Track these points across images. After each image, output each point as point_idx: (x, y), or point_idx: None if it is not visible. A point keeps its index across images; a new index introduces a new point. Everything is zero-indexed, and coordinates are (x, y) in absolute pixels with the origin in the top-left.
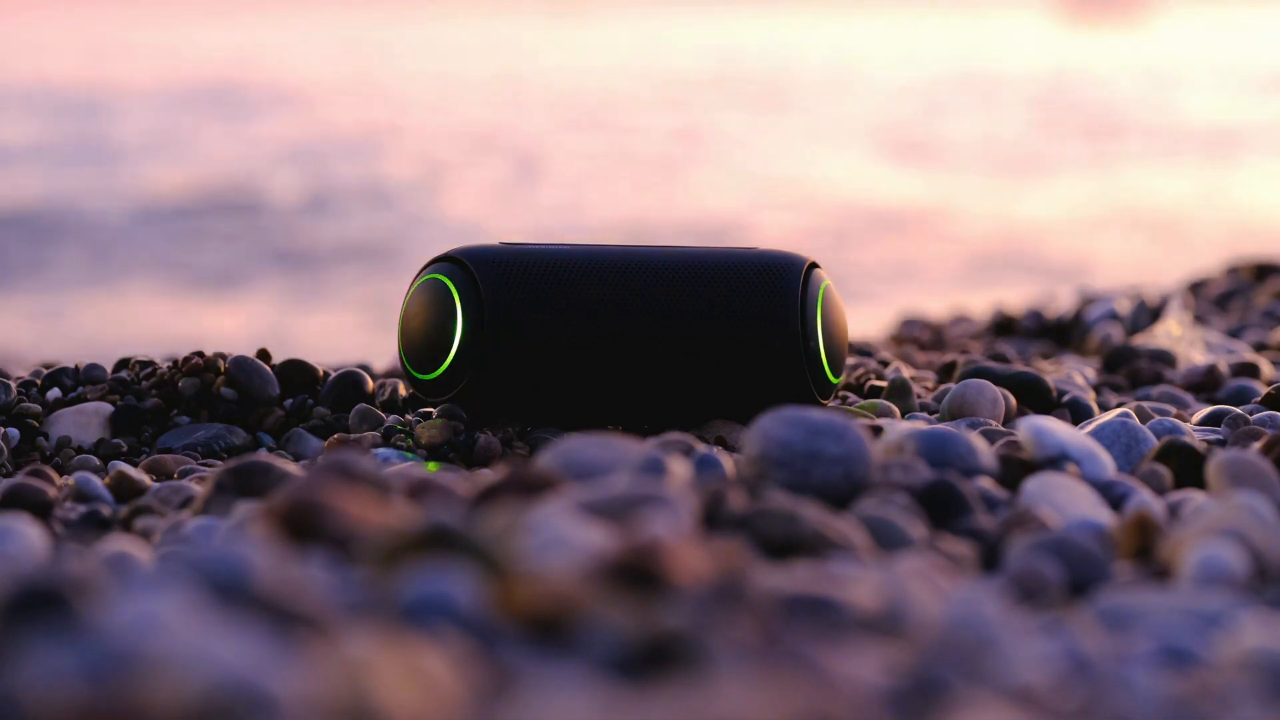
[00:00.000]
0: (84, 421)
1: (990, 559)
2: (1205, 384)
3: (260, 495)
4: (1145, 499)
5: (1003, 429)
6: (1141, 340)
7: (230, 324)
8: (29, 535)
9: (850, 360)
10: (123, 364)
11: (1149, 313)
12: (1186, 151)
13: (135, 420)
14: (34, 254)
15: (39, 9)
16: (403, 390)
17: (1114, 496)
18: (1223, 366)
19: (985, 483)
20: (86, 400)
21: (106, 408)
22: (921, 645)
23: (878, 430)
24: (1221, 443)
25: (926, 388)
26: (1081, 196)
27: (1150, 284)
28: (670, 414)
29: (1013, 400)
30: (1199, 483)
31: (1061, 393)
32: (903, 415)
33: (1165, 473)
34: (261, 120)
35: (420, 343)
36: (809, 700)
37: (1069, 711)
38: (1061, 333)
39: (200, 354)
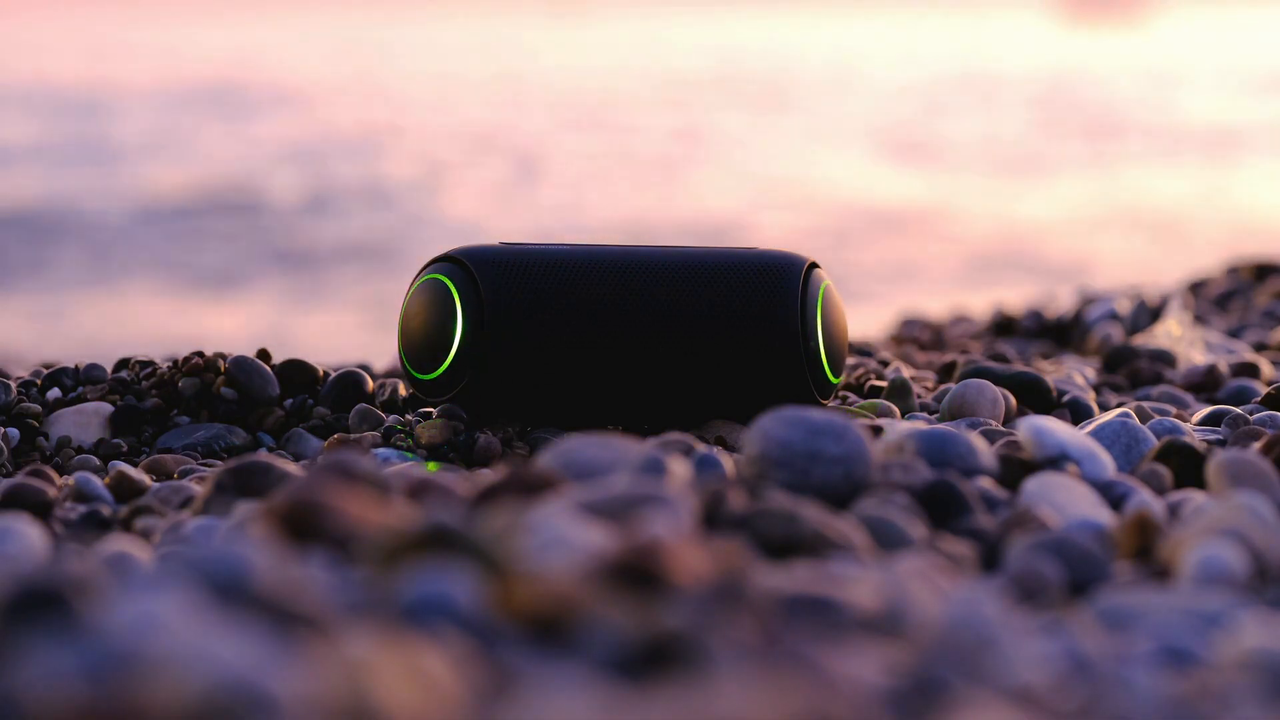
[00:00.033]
0: (84, 421)
1: (990, 559)
2: (1205, 384)
3: (260, 495)
4: (1145, 499)
5: (1003, 429)
6: (1141, 340)
7: (230, 324)
8: (29, 535)
9: (850, 360)
10: (123, 364)
11: (1149, 313)
12: (1186, 151)
13: (135, 420)
14: (34, 254)
15: (39, 9)
16: (403, 390)
17: (1114, 496)
18: (1223, 366)
19: (985, 483)
20: (86, 400)
21: (106, 408)
22: (921, 645)
23: (878, 430)
24: (1221, 443)
25: (926, 388)
26: (1081, 196)
27: (1150, 284)
28: (670, 414)
29: (1013, 400)
30: (1199, 483)
31: (1061, 393)
32: (903, 415)
33: (1165, 473)
34: (261, 120)
35: (420, 343)
36: (809, 700)
37: (1069, 711)
38: (1061, 333)
39: (200, 354)
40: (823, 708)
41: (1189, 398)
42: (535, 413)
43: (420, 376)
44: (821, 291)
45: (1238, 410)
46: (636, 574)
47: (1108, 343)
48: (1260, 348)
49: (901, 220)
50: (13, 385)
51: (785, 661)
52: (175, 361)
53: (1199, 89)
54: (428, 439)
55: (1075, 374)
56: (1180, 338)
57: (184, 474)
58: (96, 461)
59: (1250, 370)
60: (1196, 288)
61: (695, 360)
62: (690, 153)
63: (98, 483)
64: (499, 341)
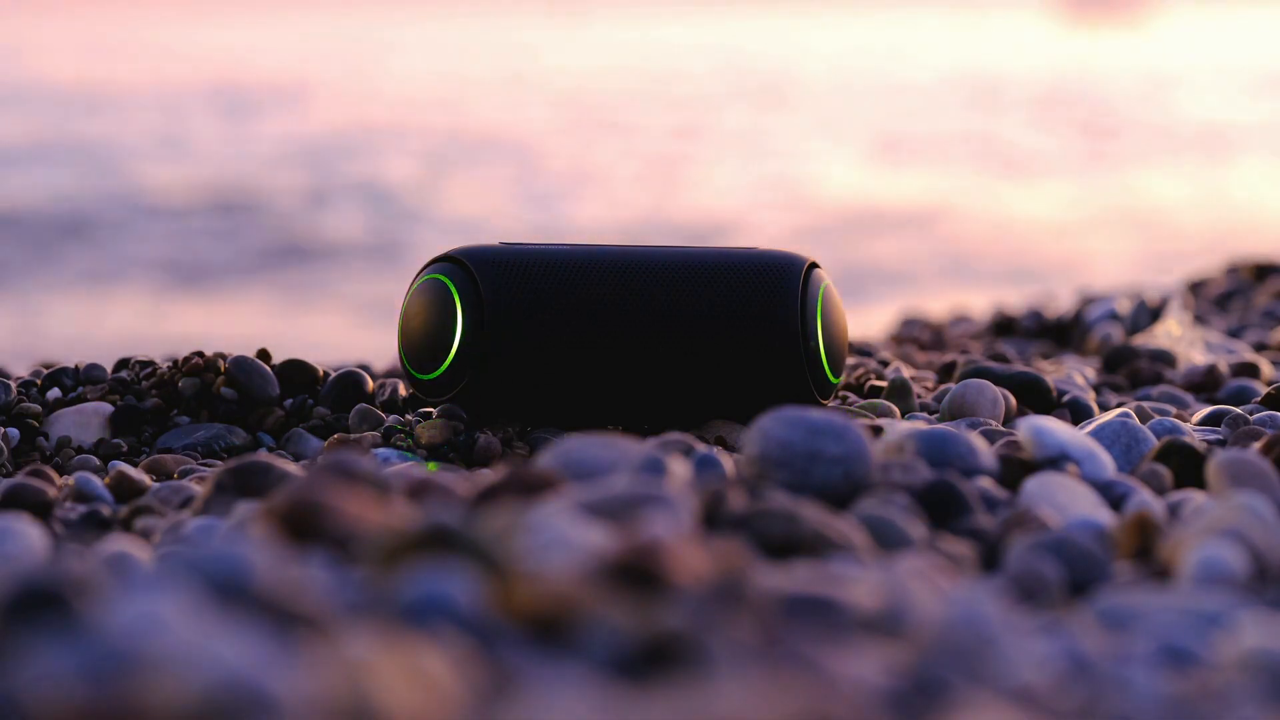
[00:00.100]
0: (84, 421)
1: (990, 559)
2: (1205, 384)
3: (260, 495)
4: (1145, 499)
5: (1003, 429)
6: (1141, 340)
7: (230, 324)
8: (29, 535)
9: (850, 360)
10: (123, 364)
11: (1149, 313)
12: (1186, 151)
13: (135, 420)
14: (33, 254)
15: (39, 9)
16: (403, 390)
17: (1114, 496)
18: (1223, 366)
19: (985, 483)
20: (86, 400)
21: (106, 408)
22: (921, 645)
23: (878, 430)
24: (1221, 443)
25: (926, 388)
26: (1081, 196)
27: (1150, 284)
28: (670, 414)
29: (1013, 400)
30: (1199, 483)
31: (1061, 393)
32: (903, 415)
33: (1165, 473)
34: (261, 119)
35: (420, 343)
36: (809, 700)
37: (1069, 711)
38: (1061, 333)
39: (200, 354)
40: (823, 708)
41: (1189, 398)
42: (535, 413)
43: (420, 376)
44: (821, 291)
45: (1238, 410)
46: (636, 574)
47: (1108, 343)
48: (1260, 348)
49: (900, 220)
50: (13, 385)
51: (785, 661)
52: (175, 361)
53: (1199, 89)
54: (428, 439)
55: (1075, 374)
56: (1180, 338)
57: (184, 474)
58: (96, 461)
59: (1250, 370)
60: (1196, 288)
61: (695, 360)
62: (689, 152)
63: (98, 483)
64: (499, 341)
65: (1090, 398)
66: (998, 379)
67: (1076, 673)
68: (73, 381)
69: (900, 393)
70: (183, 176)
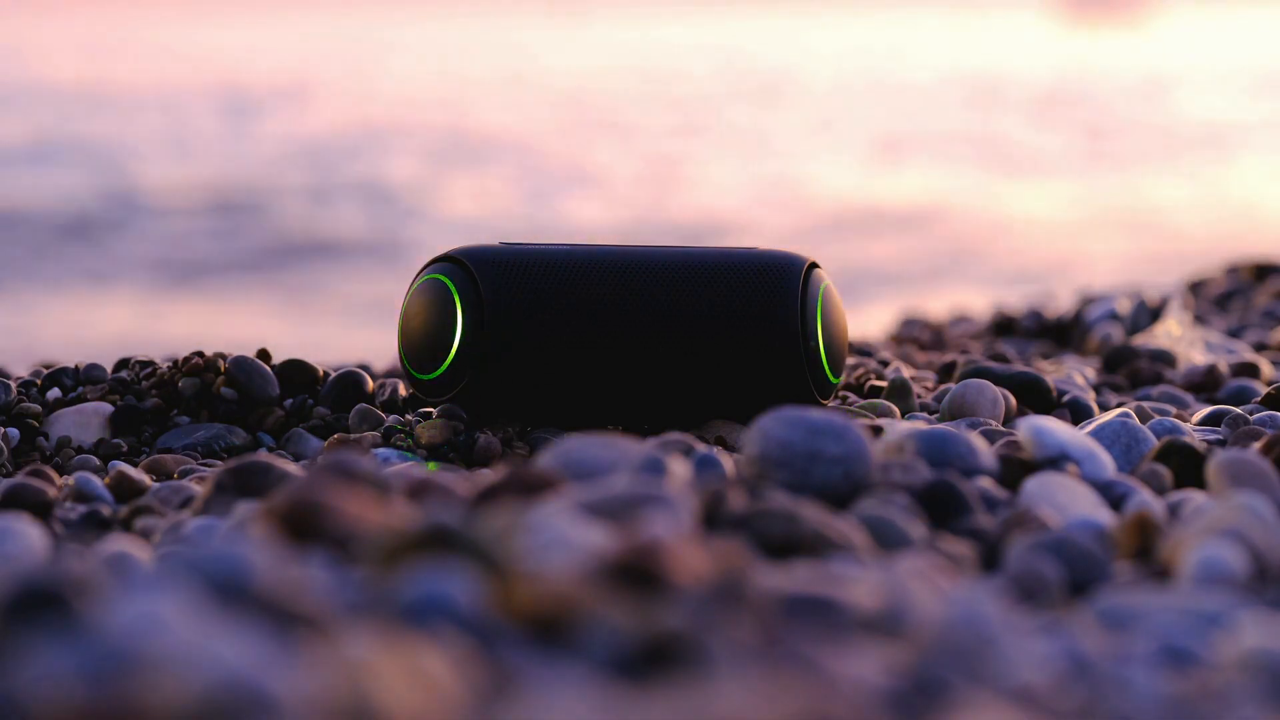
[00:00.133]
0: (84, 421)
1: (990, 559)
2: (1205, 384)
3: (260, 495)
4: (1145, 499)
5: (1003, 429)
6: (1141, 340)
7: (230, 323)
8: (29, 535)
9: (850, 360)
10: (123, 364)
11: (1149, 313)
12: (1186, 151)
13: (135, 420)
14: (33, 253)
15: (40, 9)
16: (403, 390)
17: (1114, 496)
18: (1223, 366)
19: (985, 483)
20: (86, 400)
21: (106, 408)
22: (921, 645)
23: (878, 430)
24: (1221, 443)
25: (926, 388)
26: (1081, 196)
27: (1150, 284)
28: (670, 414)
29: (1013, 400)
30: (1199, 483)
31: (1061, 393)
32: (903, 415)
33: (1165, 473)
34: (262, 119)
35: (420, 343)
36: (809, 700)
37: (1069, 711)
38: (1061, 333)
39: (200, 354)
40: (823, 708)
41: (1189, 398)
42: (535, 413)
43: (420, 376)
44: (821, 291)
45: (1238, 410)
46: (636, 574)
47: (1108, 343)
48: (1260, 348)
49: (900, 220)
50: (13, 385)
51: (785, 661)
52: (175, 361)
53: (1199, 89)
54: (428, 439)
55: (1075, 374)
56: (1180, 338)
57: (184, 474)
58: (96, 461)
59: (1250, 370)
60: (1196, 288)
61: (695, 360)
62: (690, 152)
63: (98, 483)
64: (499, 341)
65: (1090, 398)
66: (998, 379)
67: (1076, 673)
68: (73, 381)
69: (900, 393)
70: (183, 176)
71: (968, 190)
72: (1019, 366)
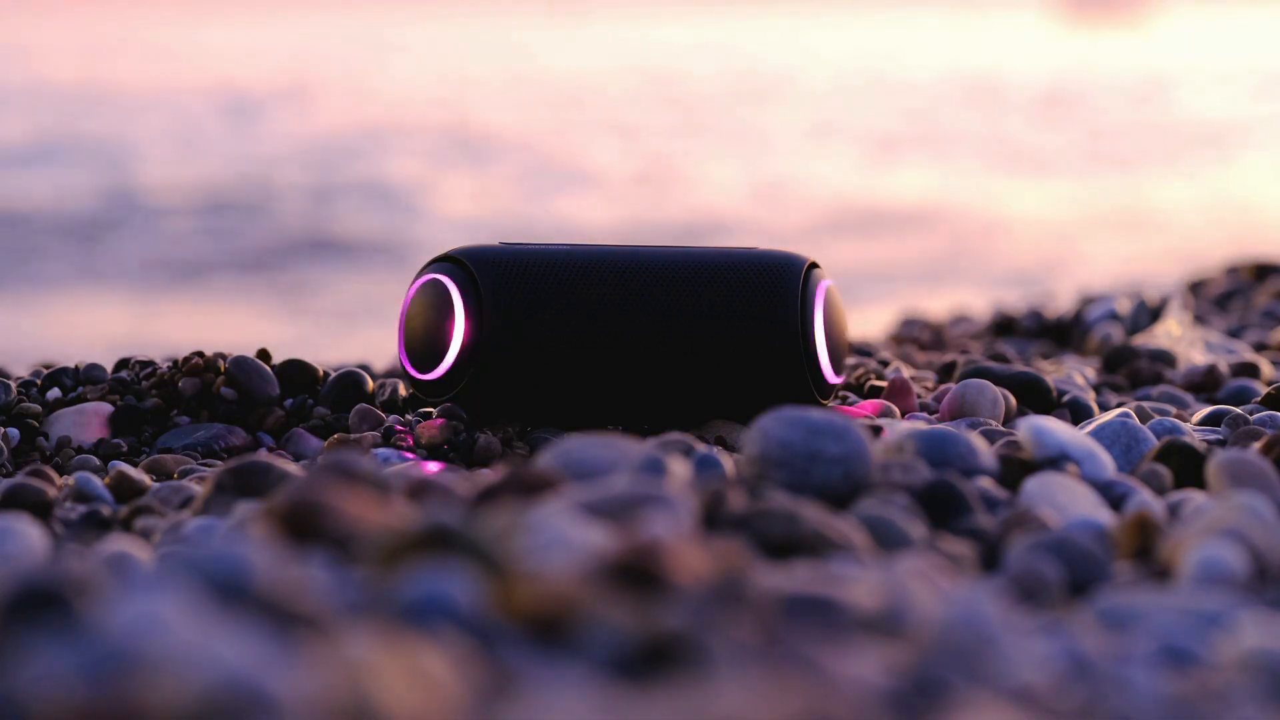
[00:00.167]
0: (84, 421)
1: (990, 559)
2: (1205, 384)
3: (260, 495)
4: (1145, 499)
5: (1003, 429)
6: (1141, 340)
7: (230, 323)
8: (29, 535)
9: (850, 360)
10: (123, 364)
11: (1149, 313)
12: (1186, 151)
13: (135, 420)
14: (33, 253)
15: (41, 9)
16: (403, 390)
17: (1114, 496)
18: (1223, 366)
19: (985, 483)
20: (86, 400)
21: (106, 408)
22: (921, 645)
23: (878, 430)
24: (1221, 443)
25: (926, 388)
26: (1081, 196)
27: (1150, 284)
28: (670, 414)
29: (1013, 400)
30: (1199, 483)
31: (1061, 393)
32: (903, 415)
33: (1165, 473)
34: (262, 119)
35: (420, 343)
36: (809, 700)
37: (1069, 711)
38: (1061, 333)
39: (200, 354)
40: (823, 708)
41: (1189, 398)
42: (535, 413)
43: (420, 377)
44: (821, 292)
45: (1238, 410)
46: (636, 574)
47: (1108, 343)
48: (1260, 348)
49: (900, 220)
50: (13, 385)
51: (785, 661)
52: (175, 361)
53: (1199, 89)
54: (428, 439)
55: (1075, 374)
56: (1180, 338)
57: (184, 474)
58: (96, 461)
59: (1250, 370)
60: (1196, 288)
61: (695, 360)
62: (690, 152)
63: (98, 483)
64: (499, 341)
65: (1090, 398)
66: (998, 379)
67: (1076, 673)
68: (73, 381)
69: (900, 393)
70: (183, 176)
71: (968, 190)
72: (1019, 366)
